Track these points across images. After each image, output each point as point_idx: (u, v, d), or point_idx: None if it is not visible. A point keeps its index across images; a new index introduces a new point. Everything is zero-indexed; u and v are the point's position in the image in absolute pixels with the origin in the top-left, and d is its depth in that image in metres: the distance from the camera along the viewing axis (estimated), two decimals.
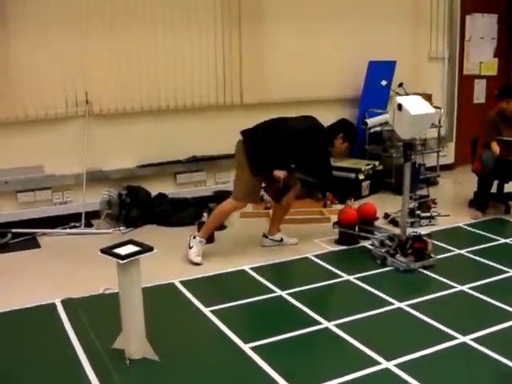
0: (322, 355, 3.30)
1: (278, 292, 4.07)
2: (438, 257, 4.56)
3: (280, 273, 4.63)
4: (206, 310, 3.76)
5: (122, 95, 5.74)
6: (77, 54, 5.45)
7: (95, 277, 4.21)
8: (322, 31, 6.56)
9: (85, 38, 5.46)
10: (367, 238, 4.95)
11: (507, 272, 4.37)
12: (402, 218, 4.69)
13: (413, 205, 5.47)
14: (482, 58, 7.98)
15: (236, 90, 6.30)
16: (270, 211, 5.37)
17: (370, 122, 6.58)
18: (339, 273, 4.41)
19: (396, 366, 3.07)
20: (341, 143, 4.78)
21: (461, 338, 3.36)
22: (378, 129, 6.79)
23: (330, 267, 4.53)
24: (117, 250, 3.06)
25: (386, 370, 3.05)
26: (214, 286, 4.36)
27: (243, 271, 4.47)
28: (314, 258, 4.72)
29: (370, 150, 6.92)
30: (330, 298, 4.28)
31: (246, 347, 3.29)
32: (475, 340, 3.33)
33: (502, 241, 5.10)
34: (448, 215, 5.70)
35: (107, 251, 3.07)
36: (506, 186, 5.99)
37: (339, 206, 5.31)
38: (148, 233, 5.35)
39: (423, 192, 6.21)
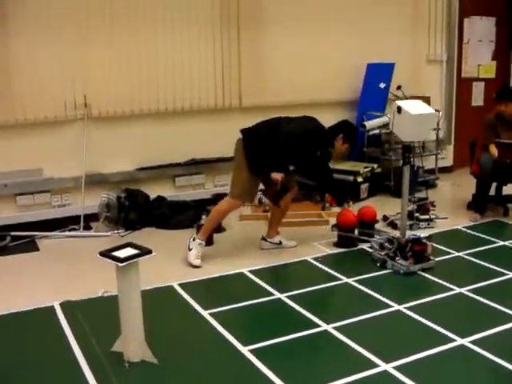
0: (321, 358, 3.30)
1: (277, 295, 4.07)
2: (437, 259, 4.56)
3: (279, 275, 4.63)
4: (205, 313, 3.76)
5: (120, 98, 5.74)
6: (76, 58, 5.45)
7: (94, 280, 4.21)
8: (320, 34, 6.57)
9: (84, 41, 5.47)
10: (367, 241, 4.96)
11: (506, 274, 4.37)
12: (401, 221, 4.69)
13: (411, 207, 5.47)
14: (481, 61, 7.99)
15: (235, 93, 6.31)
16: (269, 214, 5.37)
17: (369, 124, 6.60)
18: (338, 275, 4.41)
19: (395, 368, 3.07)
20: (341, 144, 4.77)
21: (459, 341, 3.36)
22: (377, 131, 6.80)
23: (328, 270, 4.53)
24: (116, 253, 3.06)
25: (385, 372, 3.05)
26: (212, 289, 4.36)
27: (242, 274, 4.47)
28: (312, 261, 4.72)
29: (369, 152, 6.92)
30: (329, 300, 4.28)
31: (245, 350, 3.29)
32: (474, 342, 3.33)
33: (501, 243, 5.11)
34: (447, 218, 5.70)
35: (106, 254, 3.07)
36: (504, 188, 6.01)
37: (338, 209, 5.32)
38: (147, 236, 5.35)
39: (422, 194, 6.21)
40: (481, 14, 7.84)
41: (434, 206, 5.79)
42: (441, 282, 4.25)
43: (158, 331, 3.41)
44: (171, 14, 5.83)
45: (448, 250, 4.91)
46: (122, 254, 3.05)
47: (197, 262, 4.61)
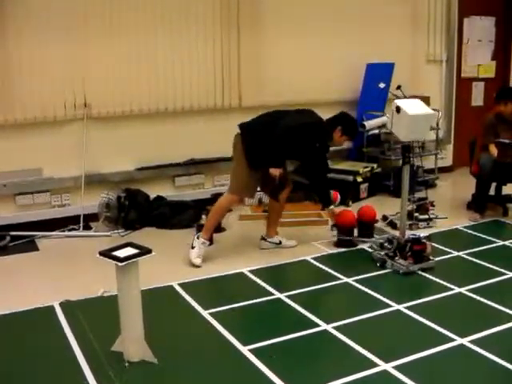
0: (321, 357, 3.30)
1: (277, 294, 4.07)
2: (437, 259, 4.57)
3: (279, 275, 4.63)
4: (205, 313, 3.76)
5: (120, 98, 5.74)
6: (76, 57, 5.45)
7: (94, 279, 4.21)
8: (320, 34, 6.57)
9: (84, 41, 5.47)
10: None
11: (505, 274, 4.37)
12: (400, 221, 4.70)
13: (411, 207, 5.48)
14: (480, 61, 7.99)
15: (234, 93, 6.31)
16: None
17: (368, 124, 6.59)
18: (338, 275, 4.41)
19: (394, 367, 3.07)
20: (339, 136, 4.77)
21: (459, 340, 3.36)
22: (376, 131, 6.81)
23: (328, 270, 4.53)
24: (115, 253, 3.06)
25: (385, 371, 3.05)
26: (212, 289, 4.37)
27: (242, 274, 4.47)
28: (312, 261, 4.73)
29: (368, 152, 6.93)
30: (329, 300, 4.27)
31: (245, 349, 3.29)
32: (473, 342, 3.34)
33: (501, 243, 5.11)
34: (446, 217, 5.71)
35: (106, 254, 3.07)
36: (503, 188, 6.01)
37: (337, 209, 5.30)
38: (146, 235, 5.35)
39: (421, 194, 6.21)
40: (480, 13, 7.84)
41: (433, 205, 5.79)
42: (440, 281, 4.25)
43: (157, 331, 3.41)
44: (171, 13, 5.82)
45: (448, 249, 4.91)
46: (121, 253, 3.05)
47: (197, 261, 4.61)
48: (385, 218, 5.63)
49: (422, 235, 4.57)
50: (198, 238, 4.69)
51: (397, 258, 4.47)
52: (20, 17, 5.19)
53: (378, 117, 6.67)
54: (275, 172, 4.58)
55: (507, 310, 3.74)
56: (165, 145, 5.99)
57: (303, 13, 6.47)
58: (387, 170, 6.75)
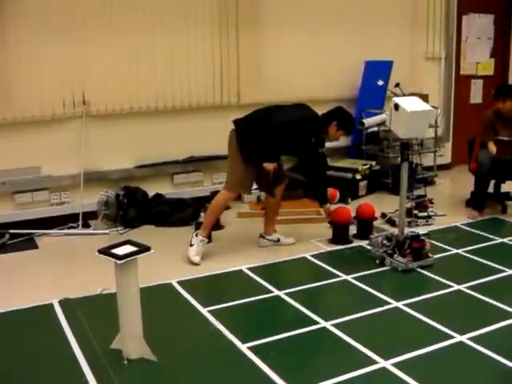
0: (320, 355, 3.31)
1: (276, 292, 4.07)
2: (436, 256, 4.57)
3: (277, 273, 4.63)
4: (204, 310, 3.76)
5: (119, 96, 5.73)
6: (74, 55, 5.44)
7: (93, 277, 4.21)
8: (318, 31, 6.57)
9: (83, 39, 5.46)
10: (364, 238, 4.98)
11: (504, 271, 4.38)
12: (399, 218, 4.70)
13: (410, 205, 5.48)
14: (479, 58, 7.99)
15: (233, 91, 6.31)
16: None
17: (367, 122, 6.60)
18: (336, 272, 4.41)
19: (393, 365, 3.08)
20: (335, 131, 4.74)
21: (458, 337, 3.37)
22: (375, 129, 6.81)
23: (327, 267, 4.54)
24: (114, 251, 3.06)
25: (384, 369, 3.06)
26: (211, 286, 4.37)
27: (240, 271, 4.47)
28: (311, 258, 4.73)
29: (367, 149, 6.93)
30: (328, 297, 4.27)
31: (244, 347, 3.29)
32: (472, 339, 3.34)
33: (499, 240, 5.11)
34: (445, 215, 5.71)
35: (105, 251, 3.07)
36: (502, 185, 6.01)
37: (335, 206, 5.31)
38: (145, 233, 5.35)
39: (420, 192, 6.22)
40: (479, 11, 7.84)
41: (432, 203, 5.79)
42: (439, 279, 4.25)
43: (156, 329, 3.41)
44: (170, 11, 5.81)
45: (447, 247, 4.92)
46: (120, 251, 3.06)
47: (196, 258, 4.61)
48: (384, 215, 5.63)
49: (420, 232, 4.58)
50: (196, 235, 4.69)
51: (396, 255, 4.47)
52: (19, 15, 5.18)
53: (376, 114, 6.67)
54: (269, 166, 4.57)
55: (506, 307, 3.74)
56: (163, 142, 5.99)
57: (302, 11, 6.46)
58: (386, 167, 6.75)
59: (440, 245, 4.91)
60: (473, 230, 5.40)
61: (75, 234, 5.43)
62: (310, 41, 6.55)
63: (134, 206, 5.61)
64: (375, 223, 5.30)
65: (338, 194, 5.88)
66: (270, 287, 4.15)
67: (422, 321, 3.59)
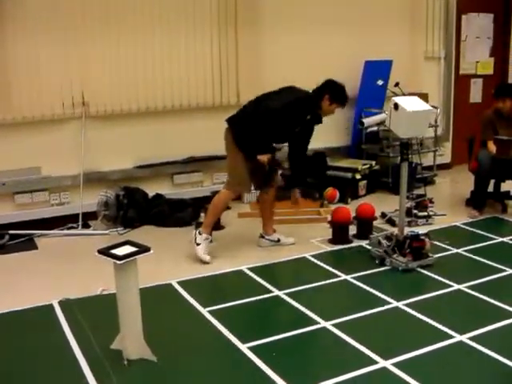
0: (320, 355, 3.31)
1: (276, 292, 4.07)
2: (436, 256, 4.57)
3: (277, 273, 4.63)
4: (204, 311, 3.76)
5: (118, 96, 5.73)
6: (74, 56, 5.44)
7: (92, 278, 4.21)
8: (318, 31, 6.56)
9: (82, 39, 5.45)
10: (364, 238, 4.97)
11: (504, 271, 4.38)
12: (399, 218, 4.70)
13: (410, 204, 5.48)
14: (478, 58, 8.00)
15: (233, 90, 6.30)
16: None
17: (367, 121, 6.60)
18: (337, 272, 4.41)
19: (393, 364, 3.08)
20: (329, 105, 4.67)
21: (458, 337, 3.37)
22: (375, 128, 6.80)
23: (327, 267, 4.53)
24: (114, 251, 3.06)
25: (384, 369, 3.06)
26: (211, 287, 4.37)
27: (241, 271, 4.47)
28: (311, 258, 4.73)
29: (367, 149, 6.93)
30: (328, 297, 4.26)
31: (244, 347, 3.29)
32: (472, 338, 3.34)
33: (499, 239, 5.11)
34: (445, 214, 5.71)
35: (104, 252, 3.07)
36: (502, 184, 6.02)
37: (334, 206, 5.32)
38: (145, 233, 5.35)
39: (420, 191, 6.21)
40: (478, 10, 7.84)
41: (432, 202, 5.79)
42: (439, 278, 4.25)
43: (156, 329, 3.41)
44: (169, 11, 5.81)
45: (447, 246, 4.91)
46: (120, 251, 3.05)
47: (206, 257, 4.60)
48: (383, 215, 5.63)
49: (420, 232, 4.58)
50: (199, 233, 4.66)
51: (396, 255, 4.47)
52: (18, 16, 5.17)
53: (376, 114, 6.67)
54: (263, 158, 4.57)
55: (506, 307, 3.74)
56: (163, 143, 5.99)
57: (301, 10, 6.45)
58: (386, 167, 6.75)
59: (440, 244, 4.91)
60: (473, 230, 5.40)
61: (75, 234, 5.43)
62: (309, 40, 6.54)
63: (134, 207, 5.61)
64: (375, 223, 5.30)
65: (337, 193, 5.90)
66: (270, 287, 4.14)
67: (422, 320, 3.59)
